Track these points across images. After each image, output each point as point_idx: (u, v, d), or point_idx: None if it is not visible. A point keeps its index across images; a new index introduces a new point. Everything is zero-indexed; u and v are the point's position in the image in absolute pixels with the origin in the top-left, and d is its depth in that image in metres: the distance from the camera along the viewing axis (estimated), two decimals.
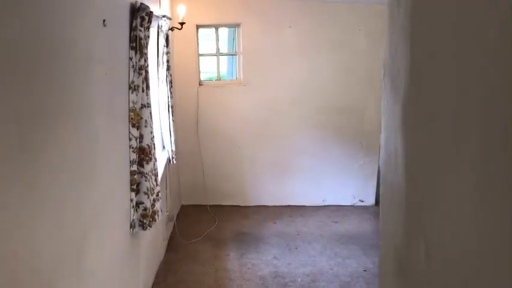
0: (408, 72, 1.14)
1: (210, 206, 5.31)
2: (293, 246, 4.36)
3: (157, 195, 2.84)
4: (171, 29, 4.35)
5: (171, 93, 4.04)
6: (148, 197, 2.66)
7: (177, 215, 5.02)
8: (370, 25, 5.15)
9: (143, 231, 2.72)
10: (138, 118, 2.58)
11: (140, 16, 2.49)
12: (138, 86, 2.56)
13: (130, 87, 2.50)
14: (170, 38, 4.28)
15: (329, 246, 4.35)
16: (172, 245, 4.34)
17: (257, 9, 5.01)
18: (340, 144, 5.40)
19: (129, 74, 2.49)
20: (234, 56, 6.01)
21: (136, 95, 2.54)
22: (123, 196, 2.49)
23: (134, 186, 2.56)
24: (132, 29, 2.47)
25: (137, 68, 2.54)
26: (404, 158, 1.15)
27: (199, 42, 5.15)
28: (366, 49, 5.19)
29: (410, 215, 1.10)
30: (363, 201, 5.57)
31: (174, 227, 4.63)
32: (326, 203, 5.51)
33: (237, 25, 5.11)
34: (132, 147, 2.52)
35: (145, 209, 2.65)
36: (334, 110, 5.30)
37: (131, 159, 2.52)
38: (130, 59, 2.47)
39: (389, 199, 1.30)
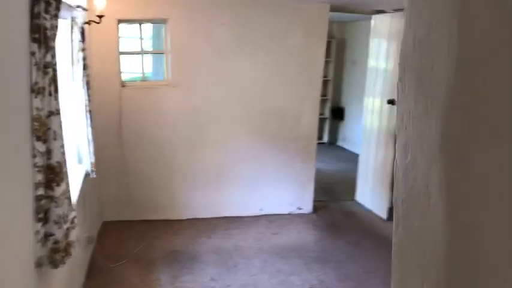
0: (453, 68, 0.79)
1: (137, 221, 4.77)
2: (231, 263, 3.96)
3: (72, 222, 2.32)
4: (88, 22, 3.79)
5: (88, 96, 3.49)
6: (60, 227, 2.14)
7: (98, 233, 4.44)
8: (307, 23, 4.89)
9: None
10: (45, 129, 2.05)
11: (44, 0, 1.98)
12: (43, 89, 2.03)
13: (33, 90, 1.97)
14: (87, 32, 3.72)
15: (270, 262, 4.01)
16: (94, 270, 3.77)
17: (186, 3, 4.56)
18: (277, 149, 5.09)
19: (31, 74, 1.96)
20: (160, 55, 5.51)
21: (42, 99, 2.02)
22: (25, 229, 1.96)
23: (41, 215, 2.04)
24: (33, 16, 1.95)
25: (42, 66, 2.02)
26: (446, 197, 0.80)
27: (120, 39, 4.60)
28: (303, 48, 4.93)
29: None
30: (300, 208, 5.30)
31: (94, 248, 4.06)
32: (263, 212, 5.17)
33: (164, 21, 4.63)
34: (37, 166, 2.00)
35: (56, 242, 2.13)
36: (271, 113, 4.99)
37: (36, 182, 1.99)
38: (33, 54, 1.95)
39: (413, 252, 0.95)
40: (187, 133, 4.80)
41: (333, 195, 6.03)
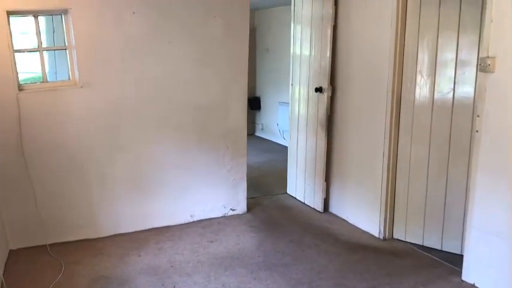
0: None
1: (51, 245, 4.12)
2: (169, 284, 3.52)
3: None
4: None
5: None
6: None
7: (5, 266, 3.74)
8: (228, 9, 4.51)
9: None
10: None
11: None
12: None
13: None
14: None
15: (213, 276, 3.62)
16: None
17: None
18: (205, 147, 4.68)
19: None
20: (58, 52, 4.82)
21: None
22: None
23: None
24: None
25: None
26: None
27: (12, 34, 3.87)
28: (226, 36, 4.54)
29: None
30: (234, 209, 4.95)
31: (1, 285, 3.40)
32: (195, 218, 4.75)
33: (64, 11, 3.97)
34: None
35: None
36: (194, 109, 4.55)
37: None
38: None
39: None
40: (102, 138, 4.22)
41: (263, 189, 5.76)
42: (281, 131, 8.39)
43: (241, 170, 4.92)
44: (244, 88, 4.76)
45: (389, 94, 4.09)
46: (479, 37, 3.50)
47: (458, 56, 3.71)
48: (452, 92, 3.78)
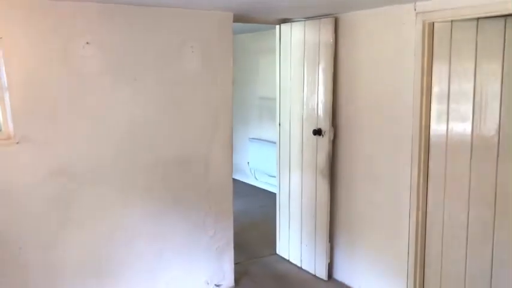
0: None
1: None
2: None
3: None
4: None
5: None
6: None
7: None
8: (208, 37, 3.61)
9: None
10: None
11: None
12: None
13: None
14: None
15: None
16: None
17: (29, 16, 2.94)
18: (181, 211, 3.70)
19: None
20: None
21: None
22: None
23: None
24: None
25: None
26: None
27: None
28: (204, 73, 3.64)
29: None
30: (219, 285, 3.96)
31: None
32: None
33: None
34: None
35: None
36: (167, 164, 3.58)
37: None
38: None
39: None
40: (47, 211, 3.14)
41: (248, 250, 4.80)
42: (252, 171, 7.50)
43: (226, 234, 3.95)
44: (228, 134, 3.85)
45: (414, 138, 3.31)
46: None
47: (504, 88, 3.01)
48: (497, 134, 3.05)
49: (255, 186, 7.45)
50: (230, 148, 3.86)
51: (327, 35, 3.84)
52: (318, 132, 4.00)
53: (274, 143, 6.62)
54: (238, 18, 3.85)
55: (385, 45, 3.47)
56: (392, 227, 3.55)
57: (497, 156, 3.04)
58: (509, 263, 3.07)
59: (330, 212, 4.04)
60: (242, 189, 7.32)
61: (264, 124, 7.27)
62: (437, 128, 3.30)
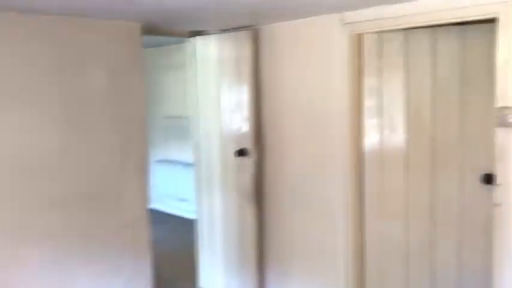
0: None
1: None
2: None
3: None
4: None
5: None
6: None
7: None
8: (112, 54, 3.14)
9: None
10: None
11: None
12: None
13: None
14: None
15: None
16: None
17: None
18: (92, 253, 3.14)
19: None
20: None
21: None
22: None
23: None
24: None
25: None
26: None
27: None
28: (109, 91, 3.16)
29: None
30: None
31: None
32: None
33: None
34: None
35: None
36: (74, 199, 3.02)
37: None
38: None
39: None
40: None
41: (169, 285, 4.29)
42: (161, 196, 6.95)
43: (144, 275, 3.45)
44: (142, 160, 3.38)
45: (347, 155, 3.13)
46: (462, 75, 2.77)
47: (434, 99, 2.95)
48: (431, 146, 2.97)
49: (165, 212, 6.92)
50: (145, 175, 3.39)
51: (247, 49, 3.55)
52: (241, 152, 3.68)
53: (185, 164, 6.25)
54: (148, 30, 3.42)
55: (312, 58, 3.27)
56: (328, 252, 3.33)
57: (433, 168, 2.96)
58: (450, 277, 2.99)
59: (257, 239, 3.71)
60: (151, 216, 6.73)
61: (172, 145, 6.81)
62: (370, 143, 3.16)
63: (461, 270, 2.93)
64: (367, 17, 2.93)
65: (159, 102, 6.90)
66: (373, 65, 3.08)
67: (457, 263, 2.95)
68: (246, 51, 3.56)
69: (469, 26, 2.75)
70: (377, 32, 3.02)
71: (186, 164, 6.00)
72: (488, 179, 2.76)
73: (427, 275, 3.05)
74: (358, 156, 3.16)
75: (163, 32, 3.69)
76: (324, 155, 3.25)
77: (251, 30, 3.52)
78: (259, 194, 3.70)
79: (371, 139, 3.15)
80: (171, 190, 6.68)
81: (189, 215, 5.89)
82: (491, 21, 2.50)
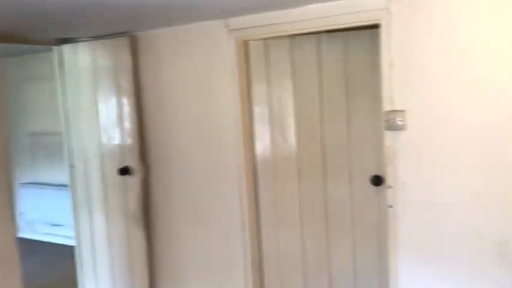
0: None
1: None
2: None
3: None
4: None
5: None
6: None
7: None
8: None
9: None
10: None
11: None
12: None
13: None
14: None
15: None
16: None
17: None
18: None
19: None
20: None
21: None
22: None
23: None
24: None
25: None
26: None
27: None
28: None
29: None
30: None
31: None
32: None
33: None
34: None
35: None
36: None
37: None
38: None
39: None
40: None
41: None
42: (29, 222, 6.20)
43: None
44: (3, 186, 2.89)
45: (240, 167, 3.01)
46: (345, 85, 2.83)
47: (322, 106, 2.96)
48: (321, 153, 2.98)
49: (36, 241, 6.17)
50: (9, 209, 2.91)
51: (125, 57, 3.25)
52: (125, 171, 3.36)
53: (57, 186, 5.64)
54: (3, 38, 2.95)
55: (199, 66, 3.09)
56: (225, 267, 3.16)
57: (324, 173, 2.97)
58: (347, 282, 3.01)
59: (148, 263, 3.42)
60: (20, 246, 5.96)
61: (41, 165, 6.10)
62: (263, 152, 3.07)
63: (357, 274, 2.97)
64: (252, 23, 2.83)
65: (23, 117, 6.16)
66: (261, 72, 3.00)
67: (352, 267, 2.98)
68: (124, 59, 3.26)
69: (352, 32, 2.80)
70: (263, 39, 2.94)
71: (59, 186, 5.42)
72: (377, 180, 2.84)
73: (326, 282, 3.04)
74: (252, 166, 3.05)
75: (24, 40, 3.22)
76: (217, 166, 3.09)
77: (128, 37, 3.23)
78: (148, 214, 3.41)
79: (263, 148, 3.06)
80: (43, 216, 5.98)
81: (65, 241, 5.31)
82: (372, 27, 2.56)
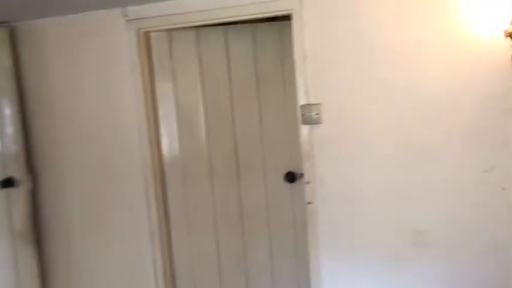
0: None
1: None
2: None
3: None
4: None
5: None
6: None
7: None
8: None
9: None
10: None
11: None
12: None
13: None
14: None
15: None
16: None
17: None
18: None
19: None
20: None
21: None
22: None
23: None
24: None
25: None
26: None
27: None
28: None
29: None
30: None
31: None
32: None
33: None
34: None
35: None
36: None
37: None
38: None
39: None
40: None
41: None
42: None
43: None
44: None
45: (146, 170, 2.74)
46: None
47: (233, 102, 2.81)
48: (234, 152, 2.83)
49: None
50: None
51: (2, 52, 2.79)
52: (7, 183, 2.89)
53: None
54: None
55: (93, 62, 2.75)
56: (136, 278, 2.87)
57: (238, 172, 2.83)
58: (265, 283, 2.90)
59: (41, 284, 2.99)
60: None
61: None
62: (170, 152, 2.83)
63: (276, 275, 2.88)
64: (154, 12, 2.59)
65: None
66: (165, 67, 2.76)
67: (270, 268, 2.88)
68: (1, 55, 2.80)
69: (261, 24, 2.68)
70: (167, 30, 2.71)
71: None
72: (292, 177, 2.76)
73: (243, 285, 2.90)
74: (160, 168, 2.80)
75: None
76: (120, 171, 2.79)
77: (5, 28, 2.79)
78: (38, 229, 2.98)
79: (171, 148, 2.83)
80: None
81: None
82: (283, 18, 2.47)
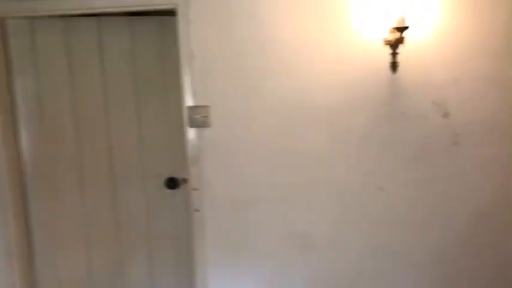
0: None
1: None
2: None
3: None
4: None
5: None
6: None
7: None
8: None
9: None
10: None
11: None
12: None
13: None
14: None
15: None
16: None
17: None
18: None
19: None
20: None
21: None
22: None
23: None
24: None
25: None
26: None
27: None
28: None
29: None
30: None
31: None
32: None
33: None
34: None
35: None
36: None
37: None
38: None
39: None
40: None
41: None
42: None
43: None
44: None
45: (1, 176, 2.34)
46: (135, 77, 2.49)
47: (109, 101, 2.54)
48: (109, 160, 2.56)
49: None
50: None
51: None
52: None
53: None
54: None
55: None
56: None
57: (113, 179, 2.56)
58: None
59: None
60: None
61: None
62: (32, 162, 2.46)
63: (156, 285, 2.67)
64: None
65: None
66: (25, 60, 2.37)
67: (151, 282, 2.66)
68: None
69: (139, 18, 2.45)
70: (27, 18, 2.33)
71: None
72: (173, 183, 2.59)
73: None
74: (19, 178, 2.40)
75: None
76: None
77: None
78: None
79: (34, 155, 2.44)
80: None
81: None
82: (166, 13, 2.29)
